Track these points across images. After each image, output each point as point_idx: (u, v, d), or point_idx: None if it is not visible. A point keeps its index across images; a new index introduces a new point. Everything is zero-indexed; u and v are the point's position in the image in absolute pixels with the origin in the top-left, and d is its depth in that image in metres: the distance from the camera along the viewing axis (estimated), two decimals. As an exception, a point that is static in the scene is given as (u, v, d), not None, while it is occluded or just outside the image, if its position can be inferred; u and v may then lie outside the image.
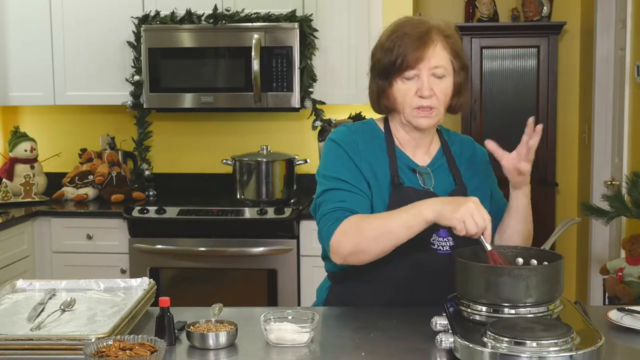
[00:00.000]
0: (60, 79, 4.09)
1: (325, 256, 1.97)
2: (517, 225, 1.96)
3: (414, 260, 1.91)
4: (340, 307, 1.92)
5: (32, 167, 4.21)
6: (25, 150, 4.21)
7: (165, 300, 1.70)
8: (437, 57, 1.88)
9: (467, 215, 1.70)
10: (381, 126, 2.02)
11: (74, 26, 4.05)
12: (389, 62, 1.89)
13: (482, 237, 1.74)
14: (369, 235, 1.79)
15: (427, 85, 1.88)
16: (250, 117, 4.29)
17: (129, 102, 4.07)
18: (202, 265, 3.72)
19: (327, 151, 1.98)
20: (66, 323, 1.76)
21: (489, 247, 1.74)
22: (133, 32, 4.01)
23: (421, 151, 2.01)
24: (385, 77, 1.91)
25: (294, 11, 3.91)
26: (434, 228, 1.87)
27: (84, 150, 4.29)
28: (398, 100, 1.91)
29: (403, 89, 1.90)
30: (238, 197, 3.95)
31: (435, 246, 1.93)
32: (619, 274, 3.14)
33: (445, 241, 1.93)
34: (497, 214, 2.01)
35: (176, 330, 1.71)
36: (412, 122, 1.93)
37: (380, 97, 1.96)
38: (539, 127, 1.87)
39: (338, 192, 1.90)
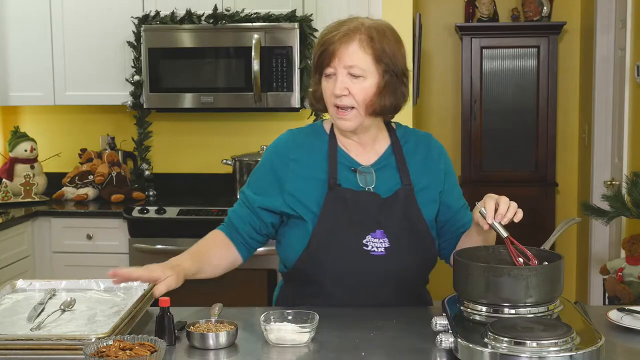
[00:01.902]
0: (60, 79, 4.09)
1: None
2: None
3: (347, 263, 1.91)
4: (340, 307, 1.92)
5: (32, 167, 4.21)
6: (25, 150, 4.21)
7: (165, 300, 1.70)
8: (353, 56, 1.87)
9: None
10: (327, 127, 2.03)
11: (74, 26, 4.05)
12: (315, 62, 1.93)
13: (495, 223, 1.74)
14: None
15: (341, 84, 1.87)
16: (250, 117, 4.29)
17: (129, 102, 4.07)
18: (202, 265, 3.71)
19: (263, 157, 2.06)
20: (66, 323, 1.76)
21: (505, 234, 1.74)
22: (133, 32, 4.01)
23: (366, 150, 1.99)
24: (315, 74, 1.95)
25: (294, 11, 3.91)
26: (369, 229, 1.89)
27: (84, 150, 4.29)
28: (323, 99, 1.94)
29: (324, 88, 1.92)
30: (238, 197, 3.94)
31: (369, 247, 1.91)
32: (619, 274, 3.14)
33: (380, 242, 1.91)
34: (448, 213, 2.01)
35: (176, 330, 1.71)
36: (335, 124, 1.95)
37: (315, 94, 1.98)
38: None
39: (240, 203, 2.05)
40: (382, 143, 2.01)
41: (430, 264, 2.00)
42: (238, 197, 2.09)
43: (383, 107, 1.91)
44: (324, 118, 4.24)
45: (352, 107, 1.89)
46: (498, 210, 1.75)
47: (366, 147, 1.99)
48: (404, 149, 2.01)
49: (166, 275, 1.78)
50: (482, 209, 1.77)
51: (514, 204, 1.77)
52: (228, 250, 2.03)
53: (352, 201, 1.90)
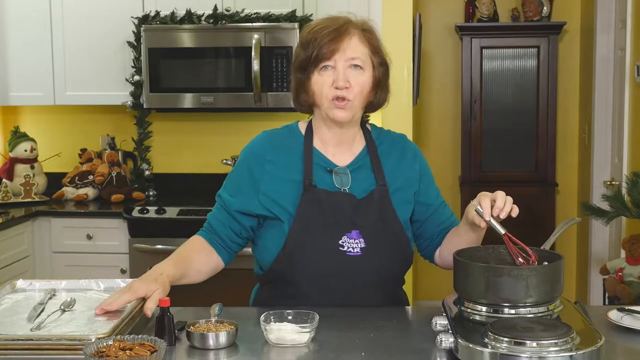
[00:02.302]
0: (60, 79, 4.09)
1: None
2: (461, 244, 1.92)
3: (322, 263, 1.91)
4: (340, 307, 1.92)
5: (32, 167, 4.21)
6: (25, 150, 4.21)
7: (165, 300, 1.70)
8: (353, 49, 1.90)
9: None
10: (302, 128, 2.03)
11: (74, 26, 4.05)
12: (306, 56, 1.91)
13: (492, 221, 1.74)
14: None
15: (343, 76, 1.89)
16: (250, 117, 4.29)
17: (129, 102, 4.08)
18: (202, 265, 3.72)
19: (238, 159, 2.06)
20: (66, 323, 1.75)
21: (502, 231, 1.74)
22: (133, 32, 4.01)
23: (343, 150, 2.00)
24: (303, 70, 1.94)
25: (294, 11, 3.91)
26: (344, 229, 1.89)
27: (84, 150, 4.29)
28: (316, 92, 1.93)
29: (320, 81, 1.91)
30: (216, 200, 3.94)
31: (345, 248, 1.91)
32: (619, 274, 3.14)
33: (356, 243, 1.92)
34: (427, 212, 2.01)
35: (176, 330, 1.71)
36: (329, 115, 1.93)
37: (299, 92, 1.98)
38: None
39: (217, 208, 2.05)
40: (358, 144, 2.02)
41: (406, 264, 2.01)
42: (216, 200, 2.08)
43: (377, 101, 1.97)
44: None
45: (350, 100, 1.90)
46: (495, 205, 1.75)
47: (343, 147, 2.00)
48: (379, 149, 2.02)
49: (152, 291, 1.78)
50: (478, 206, 1.77)
51: (510, 199, 1.77)
52: (209, 256, 2.03)
53: (327, 202, 1.91)
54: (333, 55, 1.89)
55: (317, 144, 2.00)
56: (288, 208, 1.93)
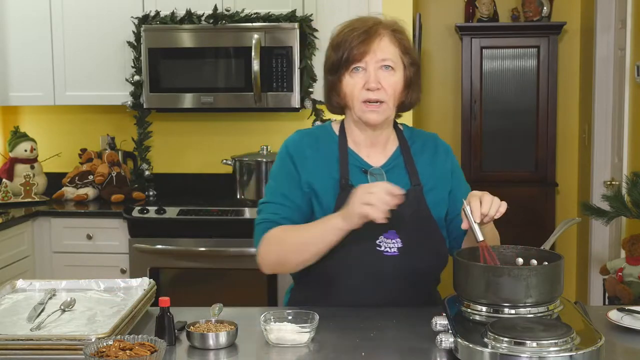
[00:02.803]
0: (60, 79, 4.09)
1: None
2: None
3: (360, 263, 1.91)
4: (340, 307, 1.92)
5: (32, 167, 4.21)
6: (25, 150, 4.21)
7: (165, 300, 1.70)
8: (384, 50, 1.90)
9: (359, 205, 1.71)
10: (336, 129, 2.03)
11: (74, 26, 4.05)
12: (339, 58, 1.91)
13: (475, 225, 1.73)
14: (289, 247, 1.86)
15: (374, 78, 1.89)
16: (250, 117, 4.29)
17: (129, 102, 4.07)
18: (202, 266, 3.72)
19: (276, 160, 2.03)
20: (66, 323, 1.76)
21: (480, 238, 1.73)
22: (133, 32, 4.01)
23: (376, 151, 2.00)
24: (334, 72, 1.93)
25: (294, 11, 3.91)
26: (381, 229, 1.89)
27: (84, 150, 4.29)
28: (347, 94, 1.93)
29: (351, 83, 1.91)
30: (238, 197, 3.95)
31: (382, 248, 1.92)
32: (619, 274, 3.14)
33: (393, 243, 1.92)
34: (454, 212, 2.00)
35: (176, 330, 1.71)
36: (361, 118, 1.93)
37: (331, 94, 1.97)
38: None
39: (273, 205, 1.95)
40: (391, 144, 2.03)
41: (442, 263, 2.00)
42: (259, 209, 1.98)
43: (409, 101, 1.97)
44: (324, 117, 4.23)
45: (382, 101, 1.90)
46: (480, 210, 1.74)
47: (377, 148, 2.00)
48: (412, 149, 2.03)
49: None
50: (467, 207, 1.76)
51: (496, 201, 1.75)
52: None
53: None
54: (364, 57, 1.89)
55: (350, 144, 2.00)
56: (326, 203, 1.92)
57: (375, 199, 1.70)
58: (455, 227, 2.02)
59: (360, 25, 1.92)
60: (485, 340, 1.50)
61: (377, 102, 1.90)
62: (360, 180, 1.95)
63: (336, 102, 1.98)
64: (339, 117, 2.07)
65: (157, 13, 3.99)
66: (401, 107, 1.99)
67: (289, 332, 1.67)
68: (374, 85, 1.89)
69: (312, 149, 1.99)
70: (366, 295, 1.93)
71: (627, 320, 1.77)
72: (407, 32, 1.99)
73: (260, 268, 1.94)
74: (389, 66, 1.90)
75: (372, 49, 1.89)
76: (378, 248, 1.91)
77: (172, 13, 3.97)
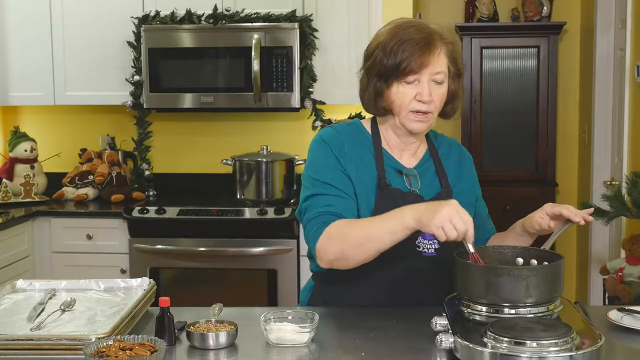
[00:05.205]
0: (60, 79, 4.09)
1: (311, 255, 1.95)
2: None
3: (398, 263, 1.91)
4: (340, 307, 1.92)
5: (32, 167, 4.21)
6: (25, 150, 4.21)
7: (165, 300, 1.70)
8: (439, 63, 1.88)
9: (445, 220, 1.66)
10: (368, 127, 2.02)
11: (74, 26, 4.06)
12: (392, 65, 1.86)
13: (465, 241, 1.73)
14: (353, 241, 1.78)
15: (428, 91, 1.87)
16: (250, 117, 4.29)
17: (129, 102, 4.08)
18: (202, 265, 3.72)
19: (314, 152, 1.97)
20: (66, 323, 1.76)
21: (471, 250, 1.72)
22: (133, 32, 4.01)
23: (408, 153, 2.01)
24: (384, 79, 1.89)
25: (294, 11, 3.91)
26: (419, 230, 1.87)
27: (84, 150, 4.29)
28: (396, 103, 1.90)
29: (402, 93, 1.88)
30: (238, 197, 3.95)
31: (421, 249, 1.93)
32: (619, 274, 3.14)
33: (430, 244, 1.93)
34: (478, 221, 1.99)
35: (176, 330, 1.71)
36: (406, 126, 1.92)
37: (377, 99, 1.94)
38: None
39: (324, 196, 1.89)
40: (422, 147, 2.03)
41: None
42: (307, 205, 1.91)
43: (451, 110, 1.97)
44: (324, 117, 4.23)
45: (430, 112, 1.90)
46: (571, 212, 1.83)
47: (409, 151, 2.01)
48: (439, 153, 2.04)
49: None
50: (566, 210, 1.84)
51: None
52: None
53: (402, 201, 1.86)
54: (421, 69, 1.86)
55: (383, 144, 2.00)
56: (364, 200, 1.91)
57: (461, 226, 1.66)
58: (478, 235, 2.01)
59: (416, 34, 1.87)
60: (485, 340, 1.50)
61: (425, 113, 1.89)
62: (397, 181, 1.94)
63: (381, 107, 1.94)
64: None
65: (157, 13, 3.99)
66: (441, 116, 1.98)
67: (289, 332, 1.67)
68: (427, 99, 1.87)
69: (349, 145, 1.96)
70: (399, 295, 1.93)
71: (627, 320, 1.77)
72: (458, 43, 1.98)
73: (318, 262, 1.87)
74: (440, 80, 1.89)
75: (430, 62, 1.86)
76: (417, 248, 1.92)
77: (172, 13, 3.97)
